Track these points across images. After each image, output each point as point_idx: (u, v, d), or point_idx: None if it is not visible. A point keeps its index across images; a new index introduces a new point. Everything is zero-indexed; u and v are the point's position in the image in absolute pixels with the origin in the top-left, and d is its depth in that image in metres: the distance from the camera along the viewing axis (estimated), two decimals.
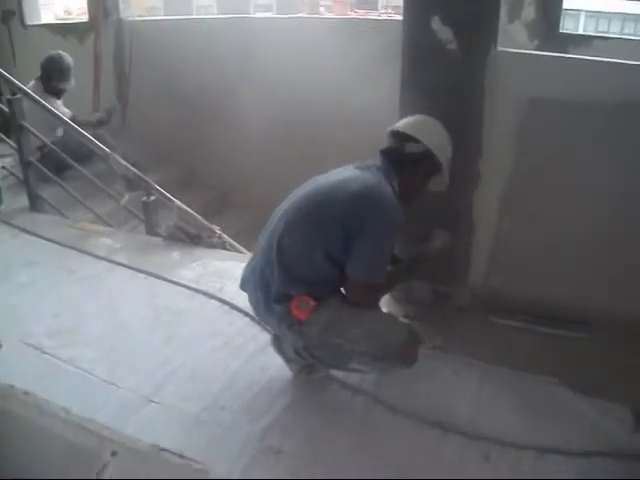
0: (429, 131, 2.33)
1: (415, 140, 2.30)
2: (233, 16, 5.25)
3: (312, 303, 2.20)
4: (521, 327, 2.85)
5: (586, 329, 2.80)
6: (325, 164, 2.41)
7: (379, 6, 20.02)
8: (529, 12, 3.95)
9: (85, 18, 5.91)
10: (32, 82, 4.91)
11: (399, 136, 2.34)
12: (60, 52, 5.06)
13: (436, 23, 2.48)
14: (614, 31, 17.70)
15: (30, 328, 2.91)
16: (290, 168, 4.88)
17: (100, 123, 5.01)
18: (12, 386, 2.44)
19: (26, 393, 2.40)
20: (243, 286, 2.47)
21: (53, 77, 4.93)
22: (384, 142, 2.53)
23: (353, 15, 4.84)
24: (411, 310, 2.90)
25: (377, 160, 2.35)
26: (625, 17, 18.74)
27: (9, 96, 4.35)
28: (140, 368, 2.61)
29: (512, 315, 2.87)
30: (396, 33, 2.73)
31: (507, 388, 2.50)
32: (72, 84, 5.07)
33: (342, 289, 2.34)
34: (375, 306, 2.43)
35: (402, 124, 2.37)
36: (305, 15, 5.40)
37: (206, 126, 5.14)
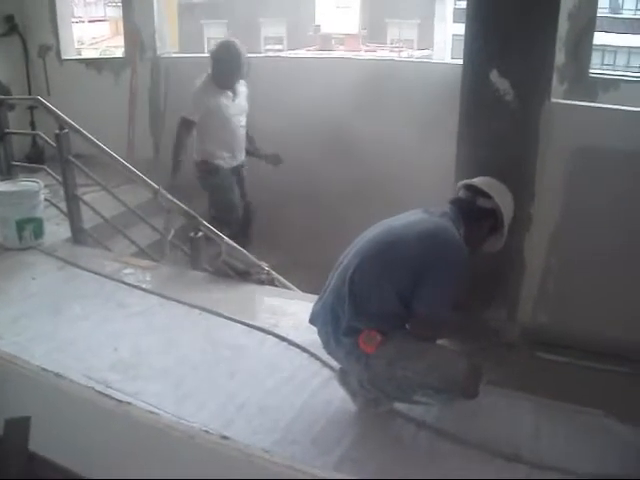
0: (501, 192, 2.54)
1: (488, 196, 2.49)
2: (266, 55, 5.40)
3: (379, 338, 2.34)
4: (567, 362, 2.95)
5: (630, 365, 2.90)
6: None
7: (388, 40, 20.59)
8: (560, 56, 4.13)
9: (120, 53, 6.08)
10: (203, 78, 4.59)
11: (472, 189, 2.54)
12: (229, 40, 4.67)
13: (494, 75, 2.64)
14: (620, 64, 18.21)
15: (91, 362, 2.96)
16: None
17: (268, 159, 4.92)
18: None
19: None
20: (313, 321, 2.61)
21: (224, 70, 4.54)
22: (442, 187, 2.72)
23: (400, 56, 4.95)
24: (461, 346, 3.00)
25: (444, 207, 2.52)
26: (630, 51, 19.27)
27: (57, 130, 4.44)
28: (207, 403, 2.69)
29: (559, 351, 2.98)
30: (451, 77, 2.89)
31: (561, 420, 2.60)
32: (245, 73, 4.63)
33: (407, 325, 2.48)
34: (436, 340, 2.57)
35: (478, 180, 2.58)
36: (343, 55, 5.49)
37: None
